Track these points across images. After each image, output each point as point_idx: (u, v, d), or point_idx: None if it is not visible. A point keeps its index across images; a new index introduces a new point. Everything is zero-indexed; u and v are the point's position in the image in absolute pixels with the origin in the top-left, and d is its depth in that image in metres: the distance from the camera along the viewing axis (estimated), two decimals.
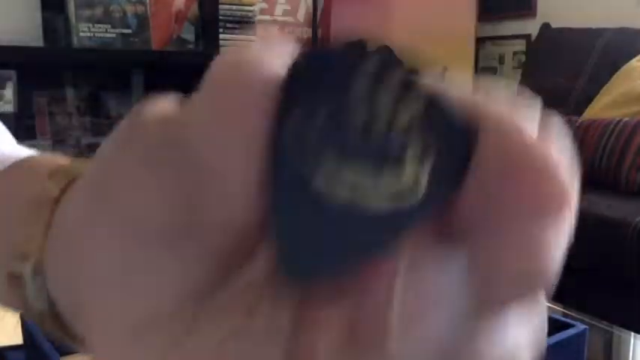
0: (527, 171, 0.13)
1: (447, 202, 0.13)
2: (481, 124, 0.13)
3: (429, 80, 0.13)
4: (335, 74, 0.13)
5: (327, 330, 0.13)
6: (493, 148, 0.13)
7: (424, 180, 0.13)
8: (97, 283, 0.18)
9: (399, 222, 0.13)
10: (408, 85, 0.13)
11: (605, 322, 1.09)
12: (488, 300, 0.14)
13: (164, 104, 0.16)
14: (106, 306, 0.17)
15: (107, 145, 0.17)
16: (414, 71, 0.13)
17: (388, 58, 0.13)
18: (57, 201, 0.21)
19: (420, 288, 0.13)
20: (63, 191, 0.21)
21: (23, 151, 0.28)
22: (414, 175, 0.13)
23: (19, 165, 0.26)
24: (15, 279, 0.22)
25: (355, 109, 0.13)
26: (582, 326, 0.97)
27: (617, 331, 1.11)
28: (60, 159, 0.25)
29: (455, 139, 0.13)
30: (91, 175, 0.19)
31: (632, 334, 1.13)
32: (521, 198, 0.13)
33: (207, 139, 0.13)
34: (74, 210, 0.19)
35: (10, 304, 0.24)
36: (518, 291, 0.14)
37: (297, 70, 0.13)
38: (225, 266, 0.16)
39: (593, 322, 1.03)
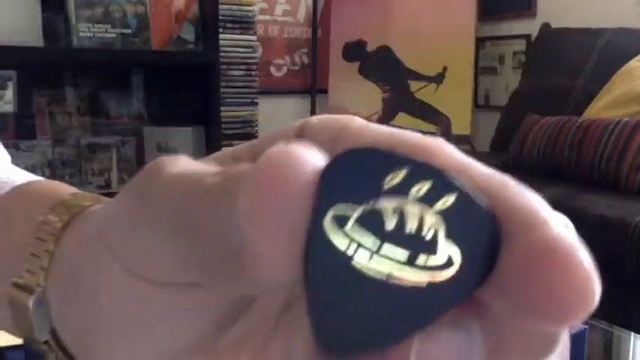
0: (555, 277, 0.13)
1: (480, 284, 0.14)
2: (506, 222, 0.14)
3: (459, 182, 0.14)
4: (371, 174, 0.14)
5: None
6: (517, 248, 0.14)
7: (457, 261, 0.14)
8: (110, 331, 0.18)
9: (435, 299, 0.14)
10: (439, 186, 0.14)
11: (605, 322, 1.09)
12: None
13: (186, 164, 0.16)
14: (117, 348, 0.18)
15: (123, 194, 0.18)
16: (445, 174, 0.14)
17: (420, 166, 0.14)
18: (59, 235, 0.21)
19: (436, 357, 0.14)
20: (65, 226, 0.22)
21: (18, 175, 0.28)
22: (447, 255, 0.14)
23: (18, 192, 0.26)
24: (18, 307, 0.22)
25: (389, 207, 0.14)
26: (582, 326, 0.97)
27: (617, 331, 1.11)
28: (58, 187, 0.25)
29: (484, 231, 0.14)
30: (104, 222, 0.19)
31: (632, 334, 1.13)
32: (546, 301, 0.13)
33: (252, 221, 0.14)
34: (84, 256, 0.20)
35: (10, 330, 0.24)
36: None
37: (338, 165, 0.14)
38: (240, 304, 0.16)
39: (592, 322, 1.03)
